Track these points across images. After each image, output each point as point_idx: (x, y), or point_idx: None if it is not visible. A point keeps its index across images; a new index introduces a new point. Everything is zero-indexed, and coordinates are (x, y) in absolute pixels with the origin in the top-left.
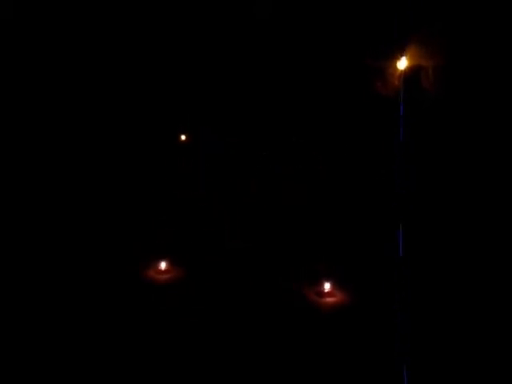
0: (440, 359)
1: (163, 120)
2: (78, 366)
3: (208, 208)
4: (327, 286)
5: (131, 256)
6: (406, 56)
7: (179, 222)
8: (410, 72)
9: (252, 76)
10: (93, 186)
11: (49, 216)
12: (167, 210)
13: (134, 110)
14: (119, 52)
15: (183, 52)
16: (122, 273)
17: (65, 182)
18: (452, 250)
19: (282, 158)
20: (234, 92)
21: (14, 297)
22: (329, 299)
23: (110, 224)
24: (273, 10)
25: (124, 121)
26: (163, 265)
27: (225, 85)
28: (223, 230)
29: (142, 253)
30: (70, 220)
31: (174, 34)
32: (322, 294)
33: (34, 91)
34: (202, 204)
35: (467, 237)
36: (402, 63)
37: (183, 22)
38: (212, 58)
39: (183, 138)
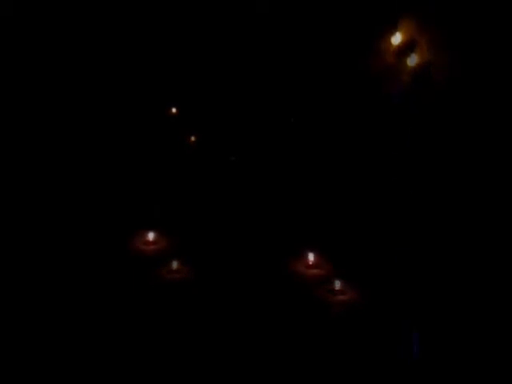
0: (452, 358)
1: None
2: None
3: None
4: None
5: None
6: (399, 31)
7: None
8: (405, 48)
9: (251, 72)
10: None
11: (50, 217)
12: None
13: (120, 94)
14: (117, 47)
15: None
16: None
17: (59, 169)
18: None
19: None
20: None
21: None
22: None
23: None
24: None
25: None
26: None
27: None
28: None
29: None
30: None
31: (169, 29)
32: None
33: (29, 85)
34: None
35: (476, 236)
36: (397, 38)
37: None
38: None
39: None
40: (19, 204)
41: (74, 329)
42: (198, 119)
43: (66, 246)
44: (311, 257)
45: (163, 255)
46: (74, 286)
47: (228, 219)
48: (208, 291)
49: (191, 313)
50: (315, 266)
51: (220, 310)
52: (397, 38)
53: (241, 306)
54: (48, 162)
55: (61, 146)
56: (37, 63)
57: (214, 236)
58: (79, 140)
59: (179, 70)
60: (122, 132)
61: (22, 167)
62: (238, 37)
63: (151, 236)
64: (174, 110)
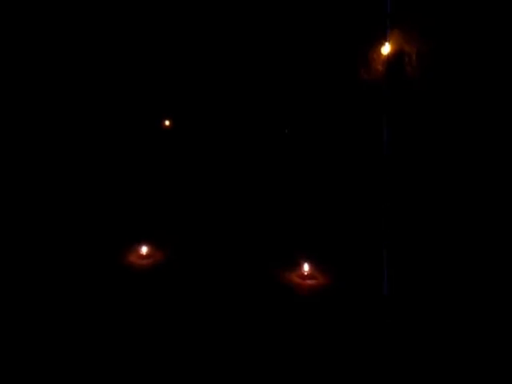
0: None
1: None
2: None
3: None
4: (307, 268)
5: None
6: (389, 41)
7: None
8: (394, 57)
9: (244, 84)
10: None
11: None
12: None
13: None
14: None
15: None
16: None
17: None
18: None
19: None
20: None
21: None
22: (309, 281)
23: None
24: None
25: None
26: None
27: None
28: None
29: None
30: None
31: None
32: (302, 276)
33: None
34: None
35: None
36: (386, 48)
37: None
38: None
39: (167, 123)
40: (15, 216)
41: (68, 335)
42: (192, 132)
43: (59, 260)
44: (306, 267)
45: (158, 268)
46: (67, 301)
47: (223, 230)
48: (202, 295)
49: (187, 319)
50: (310, 276)
51: (208, 314)
52: (386, 48)
53: (231, 311)
54: (43, 173)
55: (56, 159)
56: (29, 76)
57: (209, 245)
58: (74, 155)
59: (172, 83)
60: (117, 147)
61: (17, 180)
62: (232, 47)
63: (145, 250)
64: (167, 122)
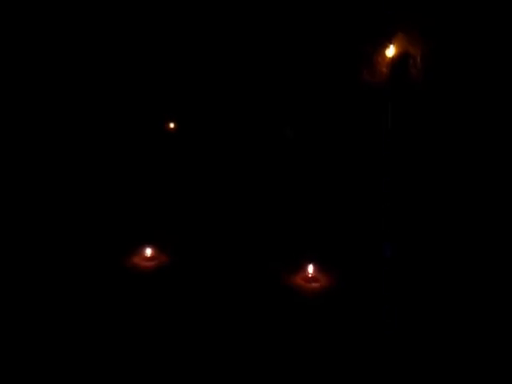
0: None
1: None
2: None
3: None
4: (311, 270)
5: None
6: (393, 43)
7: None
8: (398, 59)
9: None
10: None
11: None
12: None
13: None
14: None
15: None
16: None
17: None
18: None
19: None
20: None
21: None
22: (314, 284)
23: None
24: None
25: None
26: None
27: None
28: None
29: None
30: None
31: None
32: (306, 278)
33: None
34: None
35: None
36: (390, 51)
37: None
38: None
39: (171, 125)
40: (16, 217)
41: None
42: (196, 135)
43: (65, 262)
44: (310, 269)
45: (162, 270)
46: (72, 302)
47: (227, 232)
48: (206, 297)
49: (190, 320)
50: (315, 278)
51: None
52: (391, 51)
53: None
54: (46, 176)
55: (60, 162)
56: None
57: (212, 248)
58: (78, 158)
59: (176, 85)
60: (120, 148)
61: (20, 182)
62: (235, 49)
63: (149, 252)
64: (171, 125)
